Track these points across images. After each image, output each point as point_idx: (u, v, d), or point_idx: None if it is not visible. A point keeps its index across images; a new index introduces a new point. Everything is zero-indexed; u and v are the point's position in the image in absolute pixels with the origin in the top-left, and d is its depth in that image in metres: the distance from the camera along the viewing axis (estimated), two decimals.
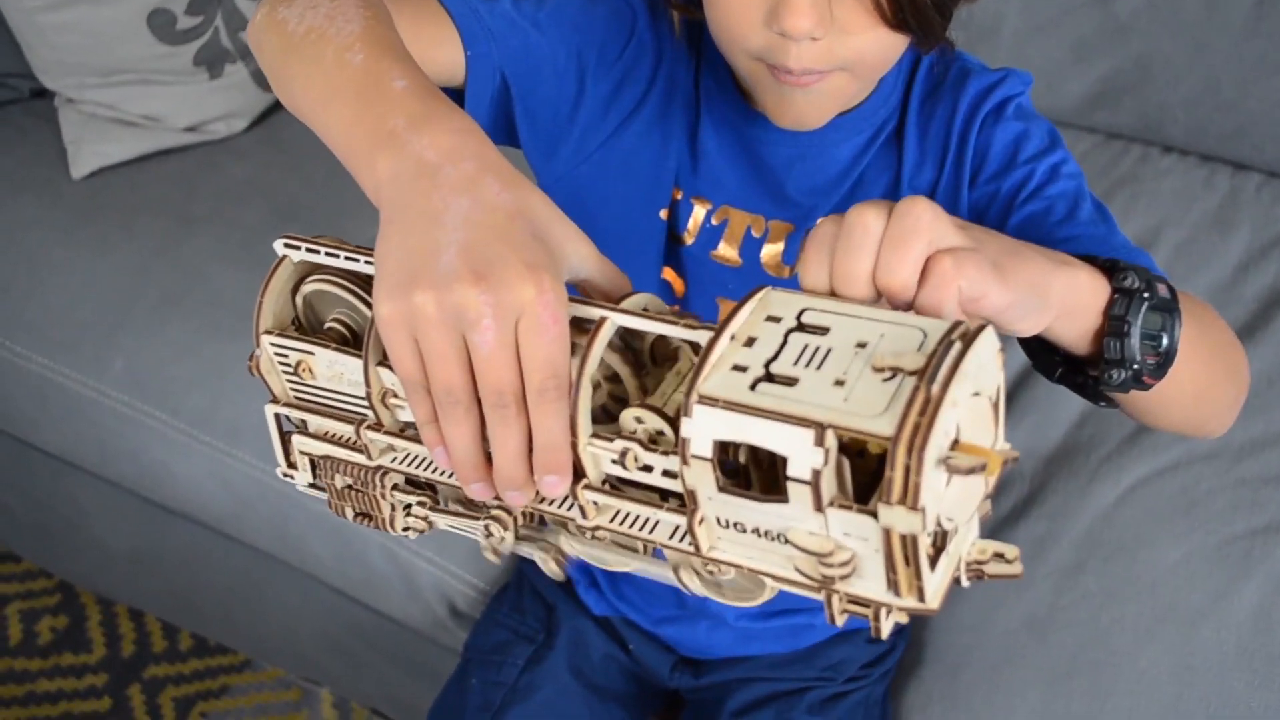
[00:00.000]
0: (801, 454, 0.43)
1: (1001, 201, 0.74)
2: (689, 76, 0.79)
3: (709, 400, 0.45)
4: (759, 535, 0.46)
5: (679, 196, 0.80)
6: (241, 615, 1.41)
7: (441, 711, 1.03)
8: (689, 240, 0.80)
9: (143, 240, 1.28)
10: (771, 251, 0.78)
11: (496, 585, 1.12)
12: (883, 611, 0.47)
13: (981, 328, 0.45)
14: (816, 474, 0.43)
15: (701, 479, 0.46)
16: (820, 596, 0.48)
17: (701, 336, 0.48)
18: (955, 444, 0.44)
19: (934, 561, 0.45)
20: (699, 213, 0.80)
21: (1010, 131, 0.75)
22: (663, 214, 0.80)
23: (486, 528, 0.56)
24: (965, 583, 0.48)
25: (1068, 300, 0.58)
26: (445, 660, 1.11)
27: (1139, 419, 0.70)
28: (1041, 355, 0.66)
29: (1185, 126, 1.31)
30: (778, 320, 0.47)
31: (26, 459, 1.36)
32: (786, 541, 0.46)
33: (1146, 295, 0.59)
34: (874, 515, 0.43)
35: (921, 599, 0.45)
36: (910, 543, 0.43)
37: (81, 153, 1.34)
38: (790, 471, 0.43)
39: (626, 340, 0.54)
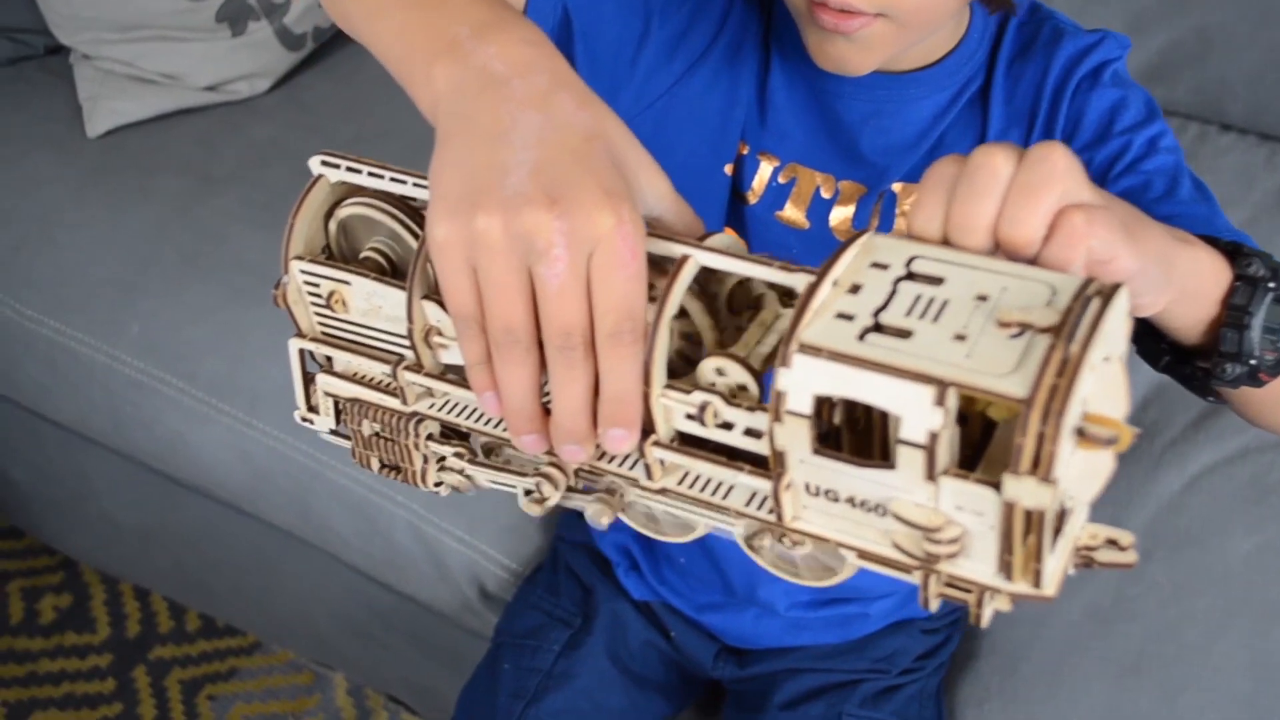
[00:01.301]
0: (918, 414, 0.38)
1: (1094, 174, 0.69)
2: (760, 21, 0.75)
3: (811, 349, 0.40)
4: (853, 505, 0.42)
5: (745, 151, 0.75)
6: (254, 595, 1.36)
7: (472, 698, 0.99)
8: (753, 199, 0.75)
9: (160, 200, 1.23)
10: (841, 215, 0.73)
11: (529, 566, 1.07)
12: (986, 597, 0.42)
13: (1116, 286, 0.40)
14: (933, 437, 0.38)
15: (795, 439, 0.41)
16: (913, 579, 0.43)
17: (798, 280, 0.43)
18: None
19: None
20: (765, 170, 0.75)
21: (1106, 99, 0.70)
22: (727, 169, 0.75)
23: (537, 486, 0.51)
24: (1072, 571, 0.43)
25: (1189, 282, 0.53)
26: (469, 645, 1.07)
27: (1246, 416, 0.65)
28: (1146, 340, 0.61)
29: (1246, 103, 1.26)
30: (884, 267, 0.42)
31: (34, 429, 1.31)
32: (886, 514, 0.41)
33: (1272, 285, 0.55)
34: (996, 487, 0.38)
35: (1037, 584, 0.40)
36: (1035, 520, 0.38)
37: (97, 110, 1.29)
38: (902, 433, 0.38)
39: (703, 285, 0.49)
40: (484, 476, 0.54)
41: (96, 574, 1.54)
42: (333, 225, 0.53)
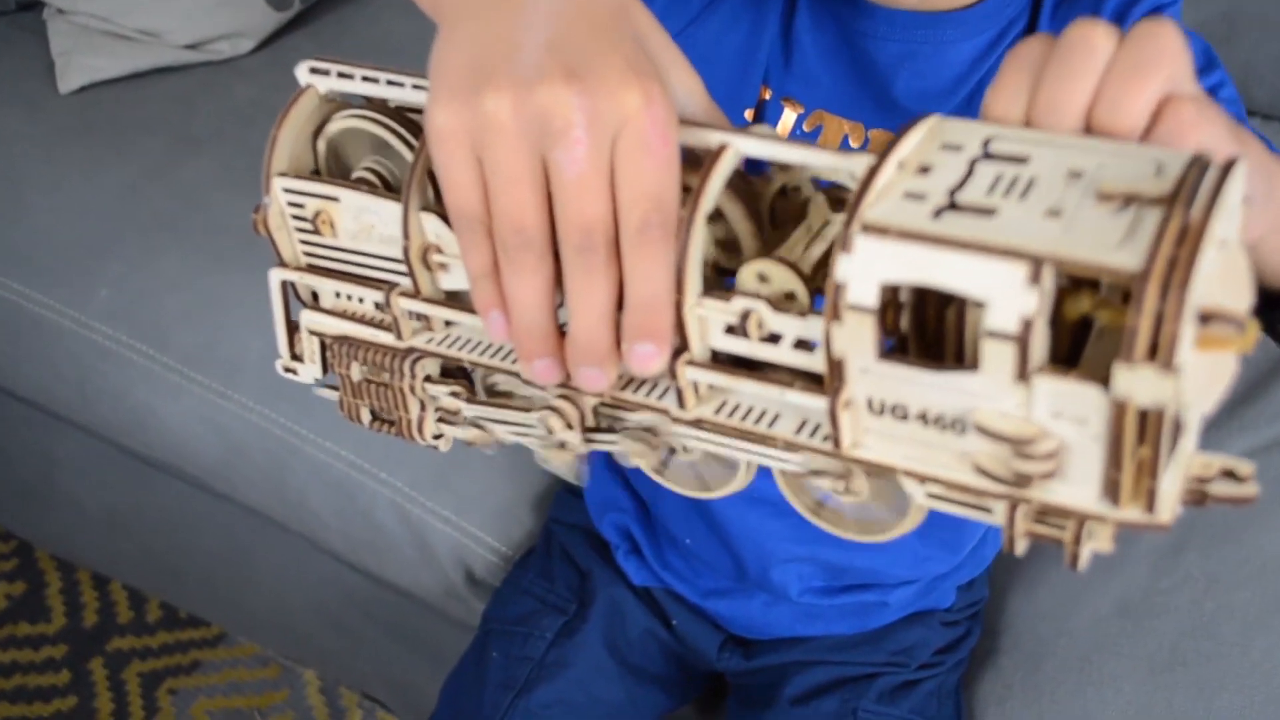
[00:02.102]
0: (1007, 297, 0.32)
1: None
2: None
3: (877, 229, 0.33)
4: (925, 424, 0.35)
5: (767, 96, 0.70)
6: (224, 583, 1.29)
7: (457, 689, 0.92)
8: None
9: (136, 160, 1.16)
10: None
11: (520, 550, 1.01)
12: (1085, 532, 0.36)
13: (1233, 160, 0.34)
14: (1026, 326, 0.32)
15: (856, 341, 0.35)
16: (994, 518, 0.37)
17: (856, 164, 0.37)
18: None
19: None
20: (789, 117, 0.70)
21: None
22: (748, 114, 0.70)
23: (544, 422, 0.44)
24: (1181, 509, 0.36)
25: None
26: (453, 637, 1.00)
27: None
28: None
29: (1272, 89, 1.22)
30: (957, 149, 0.36)
31: None
32: (965, 431, 0.35)
33: None
34: (1103, 384, 0.32)
35: (1151, 507, 0.34)
36: (1152, 424, 0.32)
37: (71, 66, 1.23)
38: (989, 323, 0.32)
39: (741, 195, 0.42)
40: (490, 417, 0.47)
41: (52, 560, 1.47)
42: (321, 144, 0.47)
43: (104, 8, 1.24)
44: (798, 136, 0.70)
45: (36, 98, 1.23)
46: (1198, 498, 0.37)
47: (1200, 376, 0.33)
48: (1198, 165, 0.33)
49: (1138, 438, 0.32)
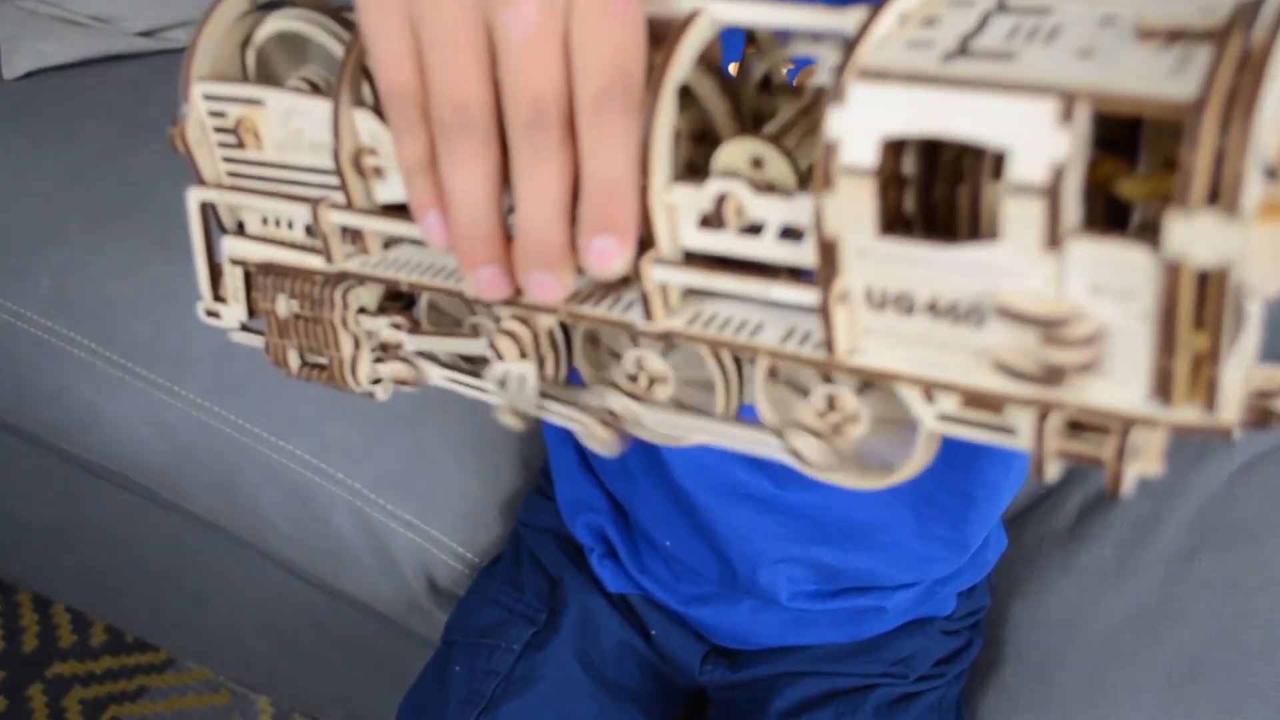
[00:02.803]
0: (1034, 141, 0.26)
1: None
2: None
3: (876, 74, 0.28)
4: (935, 316, 0.29)
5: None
6: (172, 603, 1.21)
7: (416, 706, 0.85)
8: None
9: (84, 145, 1.10)
10: None
11: (487, 557, 0.94)
12: (1129, 448, 0.29)
13: None
14: (1057, 174, 0.26)
15: (853, 213, 0.29)
16: (1019, 441, 0.30)
17: (848, 21, 0.31)
18: None
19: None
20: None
21: None
22: (732, 69, 0.64)
23: (492, 346, 0.38)
24: (1236, 431, 0.29)
25: None
26: (415, 656, 0.93)
27: None
28: None
29: None
30: (968, 5, 0.30)
31: None
32: (984, 322, 0.28)
33: None
34: (1151, 245, 0.26)
35: (1211, 403, 0.27)
36: (1215, 290, 0.26)
37: (17, 50, 1.16)
38: (1013, 175, 0.26)
39: (717, 76, 0.36)
40: (435, 348, 0.41)
41: None
42: (250, 56, 0.42)
43: None
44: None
45: None
46: (1260, 416, 0.31)
47: (1267, 253, 0.27)
48: (1252, 3, 0.27)
49: (1194, 313, 0.26)
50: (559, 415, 0.39)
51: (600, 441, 0.38)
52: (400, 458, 0.95)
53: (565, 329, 0.39)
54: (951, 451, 0.81)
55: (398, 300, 0.43)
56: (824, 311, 0.30)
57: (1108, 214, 0.30)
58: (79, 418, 1.03)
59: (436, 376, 0.42)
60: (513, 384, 0.39)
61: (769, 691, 0.82)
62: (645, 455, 0.79)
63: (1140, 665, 0.81)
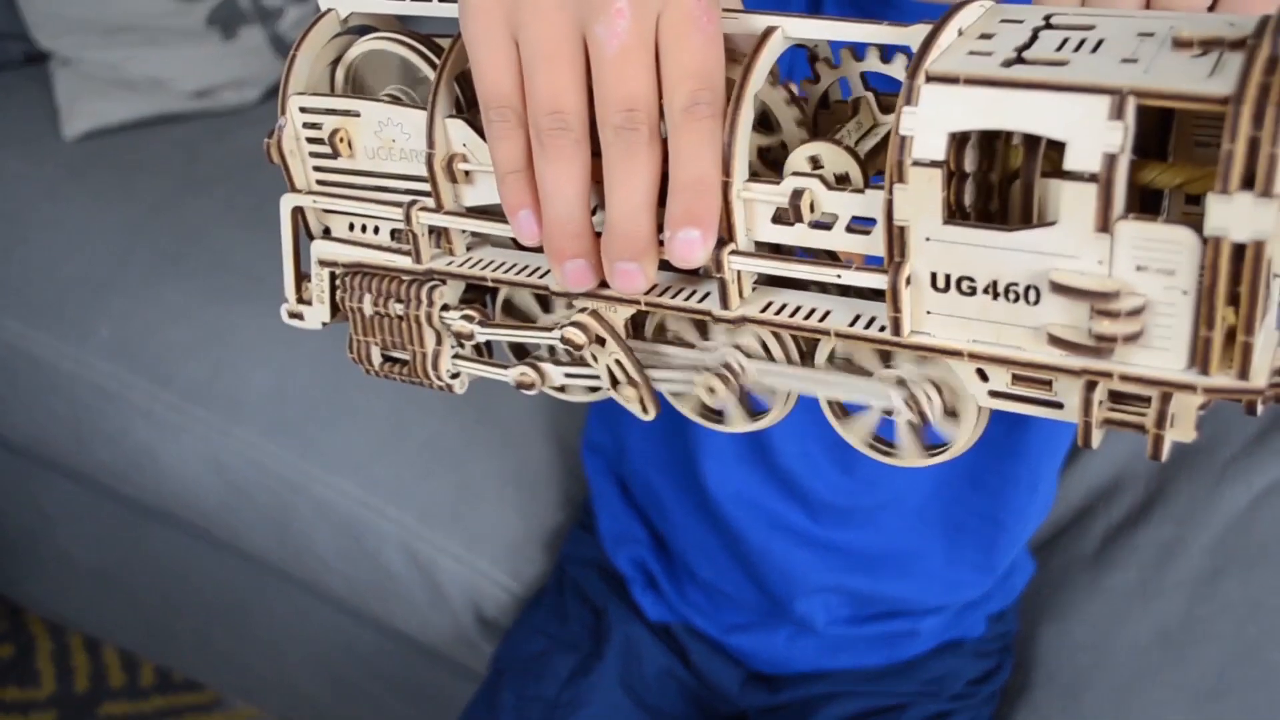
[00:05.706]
0: (1089, 133, 0.30)
1: None
2: None
3: (945, 78, 0.32)
4: (994, 297, 0.33)
5: None
6: (220, 641, 1.24)
7: None
8: None
9: (140, 199, 1.14)
10: None
11: (532, 590, 0.97)
12: (1168, 416, 0.33)
13: None
14: (1110, 163, 0.30)
15: (922, 203, 0.33)
16: (1066, 414, 0.35)
17: (914, 36, 0.36)
18: None
19: None
20: None
21: None
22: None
23: (568, 342, 0.41)
24: (1261, 403, 0.34)
25: None
26: (463, 691, 0.96)
27: None
28: None
29: None
30: (1018, 21, 0.35)
31: None
32: (1039, 300, 0.33)
33: None
34: (1194, 227, 0.30)
35: (1245, 370, 0.32)
36: (1250, 262, 0.30)
37: (76, 111, 1.22)
38: (1070, 164, 0.31)
39: (786, 90, 0.41)
40: (505, 338, 0.45)
41: (44, 624, 1.42)
42: (340, 73, 0.46)
43: (111, 56, 1.24)
44: None
45: (40, 143, 1.21)
46: None
47: None
48: (1276, 17, 0.32)
49: (1230, 287, 0.30)
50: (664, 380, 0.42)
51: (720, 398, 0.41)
52: (448, 493, 0.98)
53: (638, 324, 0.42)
54: (981, 479, 0.84)
55: (471, 304, 0.47)
56: (891, 293, 0.35)
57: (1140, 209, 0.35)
58: (137, 460, 1.07)
59: (558, 376, 0.45)
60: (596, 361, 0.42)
61: (807, 711, 0.85)
62: (685, 489, 0.82)
63: (1166, 685, 0.83)
